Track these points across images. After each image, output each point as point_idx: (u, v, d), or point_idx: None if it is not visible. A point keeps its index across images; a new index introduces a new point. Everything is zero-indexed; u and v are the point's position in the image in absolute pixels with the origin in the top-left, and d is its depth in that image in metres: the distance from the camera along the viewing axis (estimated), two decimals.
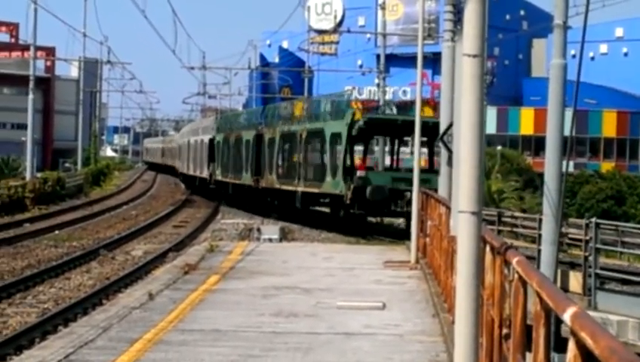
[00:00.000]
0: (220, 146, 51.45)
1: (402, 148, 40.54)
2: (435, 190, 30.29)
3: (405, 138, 37.74)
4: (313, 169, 37.04)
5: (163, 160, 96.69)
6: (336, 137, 34.54)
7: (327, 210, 35.81)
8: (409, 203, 28.44)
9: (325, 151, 35.63)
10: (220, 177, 50.82)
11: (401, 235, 31.67)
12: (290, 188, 38.53)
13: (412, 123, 28.39)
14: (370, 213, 34.46)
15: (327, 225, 36.43)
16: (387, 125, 35.46)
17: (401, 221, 36.74)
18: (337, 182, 33.58)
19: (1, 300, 20.54)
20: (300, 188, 37.46)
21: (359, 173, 33.04)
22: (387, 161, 47.85)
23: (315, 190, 36.08)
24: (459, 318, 8.14)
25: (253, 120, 47.18)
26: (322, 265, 21.56)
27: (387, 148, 38.90)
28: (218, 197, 51.69)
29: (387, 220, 39.35)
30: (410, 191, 27.66)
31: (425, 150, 35.07)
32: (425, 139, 31.65)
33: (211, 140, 53.94)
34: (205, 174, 55.42)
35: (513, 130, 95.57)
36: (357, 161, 37.66)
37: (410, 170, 30.36)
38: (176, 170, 78.50)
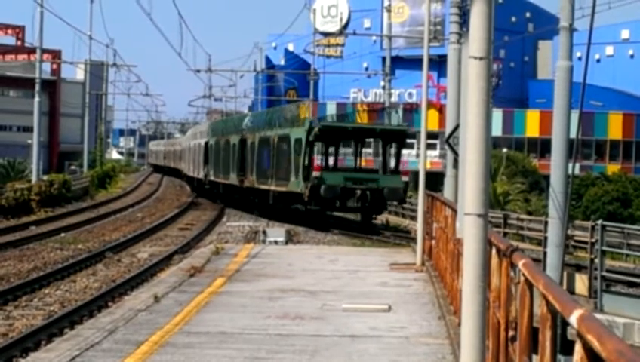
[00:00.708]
0: (213, 149, 55.15)
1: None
2: (382, 189, 37.19)
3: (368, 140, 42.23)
4: (281, 170, 40.25)
5: (167, 162, 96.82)
6: (298, 142, 37.83)
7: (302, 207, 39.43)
8: (359, 200, 36.43)
9: (290, 155, 38.77)
10: (212, 178, 54.57)
11: (357, 229, 37.60)
12: (265, 187, 42.36)
13: (361, 130, 39.87)
14: (325, 208, 38.18)
15: (293, 219, 40.10)
16: (339, 131, 40.15)
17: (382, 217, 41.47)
18: (298, 182, 37.34)
19: (7, 302, 20.56)
20: (272, 188, 41.19)
21: (315, 174, 36.65)
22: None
23: (283, 189, 39.58)
24: (465, 321, 8.13)
25: (239, 125, 50.41)
26: (328, 268, 21.56)
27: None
28: (212, 196, 54.88)
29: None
30: (360, 189, 36.54)
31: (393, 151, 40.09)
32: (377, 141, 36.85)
33: (206, 144, 57.39)
34: (201, 175, 58.85)
35: (519, 132, 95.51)
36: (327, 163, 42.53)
37: (363, 171, 40.40)
38: (181, 173, 78.75)
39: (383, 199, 37.46)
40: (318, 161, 40.86)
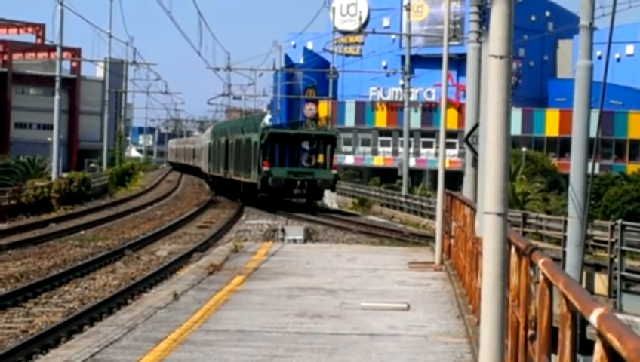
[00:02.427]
0: (212, 148, 65.00)
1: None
2: (316, 180, 46.57)
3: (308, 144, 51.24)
4: (247, 166, 50.63)
5: (186, 160, 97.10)
6: (256, 144, 48.26)
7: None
8: (299, 188, 46.84)
9: (251, 154, 49.21)
10: (212, 172, 64.26)
11: (301, 210, 46.45)
12: (237, 178, 53.15)
13: (301, 135, 50.13)
14: (273, 195, 47.71)
15: (253, 203, 50.06)
16: (284, 136, 49.94)
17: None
18: (255, 175, 47.84)
19: (27, 299, 20.65)
20: (242, 179, 51.81)
21: (264, 169, 46.82)
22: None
23: (247, 180, 50.15)
24: (484, 320, 8.13)
25: (225, 129, 61.42)
26: (346, 266, 21.56)
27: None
28: (213, 188, 62.57)
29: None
30: (300, 180, 46.49)
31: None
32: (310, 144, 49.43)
33: (209, 144, 67.05)
34: (206, 170, 68.74)
35: (538, 131, 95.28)
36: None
37: (303, 166, 48.40)
38: (200, 170, 79.36)
39: (317, 188, 47.88)
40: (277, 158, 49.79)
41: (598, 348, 4.35)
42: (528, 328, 7.85)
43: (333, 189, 50.92)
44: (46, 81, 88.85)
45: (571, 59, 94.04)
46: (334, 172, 48.48)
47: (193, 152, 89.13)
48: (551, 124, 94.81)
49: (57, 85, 59.83)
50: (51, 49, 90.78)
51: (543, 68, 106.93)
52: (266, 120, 62.07)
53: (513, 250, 8.81)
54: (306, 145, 50.45)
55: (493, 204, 8.07)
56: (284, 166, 48.51)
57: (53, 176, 57.38)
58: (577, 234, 20.08)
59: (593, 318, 4.42)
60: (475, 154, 20.31)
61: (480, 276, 12.58)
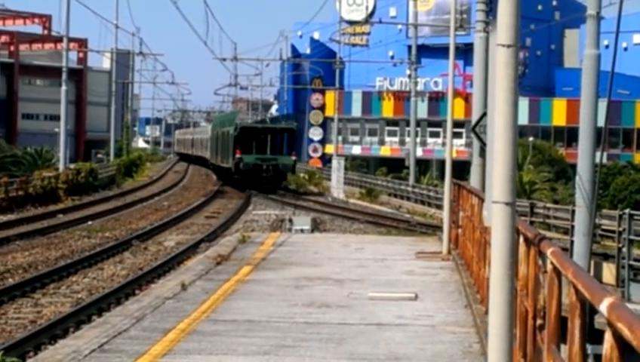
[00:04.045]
0: (210, 139, 73.25)
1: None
2: (278, 165, 56.34)
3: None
4: (225, 154, 60.30)
5: (193, 151, 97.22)
6: (232, 136, 57.79)
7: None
8: (265, 172, 56.27)
9: (229, 144, 58.52)
10: (211, 160, 71.89)
11: (267, 191, 53.82)
12: (220, 164, 63.76)
13: (266, 128, 61.08)
14: (244, 177, 56.61)
15: (230, 184, 59.28)
16: (253, 129, 59.94)
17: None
18: (231, 161, 57.39)
19: (36, 290, 20.70)
20: (223, 165, 62.07)
21: (237, 156, 56.25)
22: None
23: (226, 165, 60.19)
24: (493, 309, 8.12)
25: (219, 123, 70.59)
26: (354, 256, 21.55)
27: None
28: (219, 177, 67.35)
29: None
30: (265, 165, 56.29)
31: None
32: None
33: (210, 135, 74.18)
34: (209, 159, 75.18)
35: (545, 120, 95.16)
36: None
37: (268, 154, 57.33)
38: (206, 160, 79.65)
39: (279, 171, 57.37)
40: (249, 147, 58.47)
41: (607, 337, 4.34)
42: (537, 317, 7.85)
43: (293, 172, 61.65)
44: (53, 71, 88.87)
45: (578, 49, 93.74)
46: (293, 158, 58.92)
47: (200, 143, 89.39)
48: (558, 113, 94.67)
49: (64, 76, 59.85)
50: (58, 40, 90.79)
51: (550, 57, 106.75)
52: (273, 110, 68.35)
53: (521, 239, 8.80)
54: (269, 137, 59.41)
55: (501, 194, 8.06)
56: (252, 153, 57.35)
57: (61, 166, 57.44)
58: (585, 224, 20.05)
59: (603, 307, 4.41)
60: (483, 143, 20.29)
61: (488, 265, 12.57)
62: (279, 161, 57.17)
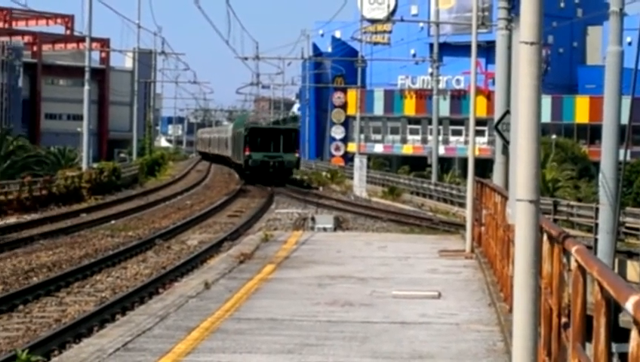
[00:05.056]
0: (229, 139, 78.27)
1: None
2: (283, 161, 62.81)
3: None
4: (239, 151, 66.97)
5: (215, 150, 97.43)
6: (243, 136, 64.37)
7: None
8: (272, 168, 61.92)
9: (241, 143, 65.33)
10: (232, 159, 76.26)
11: (275, 184, 58.03)
12: (235, 161, 71.55)
13: (272, 129, 65.57)
14: (253, 173, 62.36)
15: (243, 177, 65.16)
16: (260, 130, 65.13)
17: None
18: (242, 158, 64.06)
19: (60, 289, 20.79)
20: (237, 161, 68.96)
21: (246, 153, 62.74)
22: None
23: (239, 162, 67.15)
24: (517, 307, 8.10)
25: (235, 124, 77.79)
26: (377, 255, 21.54)
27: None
28: (242, 176, 70.48)
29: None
30: (272, 161, 62.16)
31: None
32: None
33: (231, 135, 79.02)
34: (231, 157, 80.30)
35: (568, 118, 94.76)
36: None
37: (275, 151, 62.64)
38: (229, 159, 79.93)
39: (284, 168, 63.16)
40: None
41: (634, 335, 4.32)
42: (562, 316, 7.83)
43: (297, 168, 68.50)
44: (75, 71, 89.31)
45: (601, 46, 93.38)
46: (297, 155, 65.61)
47: (219, 141, 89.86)
48: (581, 111, 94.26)
49: (87, 76, 60.04)
50: (80, 40, 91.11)
51: (573, 54, 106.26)
52: (295, 109, 70.35)
53: (545, 237, 8.78)
54: (275, 136, 64.32)
55: (525, 191, 8.04)
56: (260, 151, 62.83)
57: (84, 166, 57.64)
58: (609, 222, 19.98)
59: (629, 305, 4.39)
60: (505, 141, 20.24)
61: (511, 263, 12.55)
62: (284, 158, 63.01)
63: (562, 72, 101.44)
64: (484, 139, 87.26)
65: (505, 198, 14.91)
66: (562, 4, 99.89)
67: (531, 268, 8.01)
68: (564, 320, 7.74)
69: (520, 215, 8.06)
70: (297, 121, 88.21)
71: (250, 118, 76.91)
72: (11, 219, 37.72)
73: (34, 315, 17.99)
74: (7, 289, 20.45)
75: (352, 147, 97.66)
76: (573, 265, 6.95)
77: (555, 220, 36.87)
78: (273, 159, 62.52)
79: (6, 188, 42.87)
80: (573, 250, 7.02)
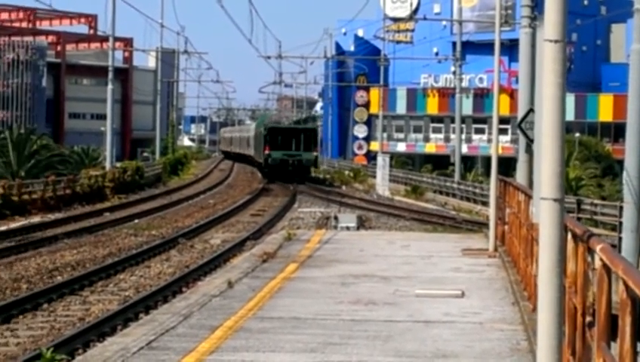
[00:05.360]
0: (252, 137, 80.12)
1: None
2: (302, 160, 65.15)
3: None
4: (260, 150, 69.32)
5: (238, 149, 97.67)
6: (263, 135, 67.09)
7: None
8: (291, 166, 64.04)
9: (261, 142, 67.72)
10: (255, 157, 78.22)
11: (294, 181, 59.94)
12: (256, 159, 73.81)
13: (291, 128, 68.94)
14: (272, 170, 64.78)
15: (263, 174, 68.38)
16: (279, 129, 68.04)
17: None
18: (262, 156, 66.83)
19: (84, 288, 20.87)
20: (258, 160, 71.73)
21: (266, 152, 65.20)
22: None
23: (259, 160, 69.92)
24: (541, 306, 8.07)
25: (257, 124, 79.38)
26: (400, 253, 21.50)
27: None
28: (264, 175, 71.72)
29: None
30: (291, 160, 64.48)
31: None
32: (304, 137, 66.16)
33: (254, 134, 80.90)
34: (254, 156, 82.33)
35: (591, 116, 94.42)
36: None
37: (294, 150, 64.90)
38: (252, 158, 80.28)
39: (303, 166, 65.36)
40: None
41: None
42: (586, 314, 7.79)
43: (316, 166, 71.32)
44: (99, 71, 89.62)
45: (625, 44, 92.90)
46: (315, 154, 67.74)
47: (240, 140, 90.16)
48: (604, 109, 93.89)
49: (110, 75, 60.22)
50: (104, 39, 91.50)
51: (596, 52, 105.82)
52: (317, 107, 70.32)
53: (570, 236, 8.74)
54: (294, 136, 66.62)
55: (549, 190, 8.00)
56: (279, 150, 65.12)
57: (107, 165, 57.83)
58: (633, 220, 19.88)
59: None
60: (529, 140, 20.19)
61: (535, 262, 12.51)
62: (303, 156, 65.25)
63: (586, 70, 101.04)
64: (507, 137, 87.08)
65: (528, 197, 14.87)
66: (586, 2, 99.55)
67: (556, 266, 7.97)
68: (588, 319, 7.71)
69: (544, 213, 8.03)
70: (316, 120, 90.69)
71: (272, 118, 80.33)
72: (35, 219, 37.89)
73: (58, 314, 18.06)
74: (32, 288, 20.54)
75: (374, 146, 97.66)
76: (598, 263, 6.92)
77: (579, 219, 36.73)
78: (292, 157, 64.79)
79: (30, 187, 43.06)
80: (597, 248, 6.98)
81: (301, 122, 76.05)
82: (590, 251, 7.86)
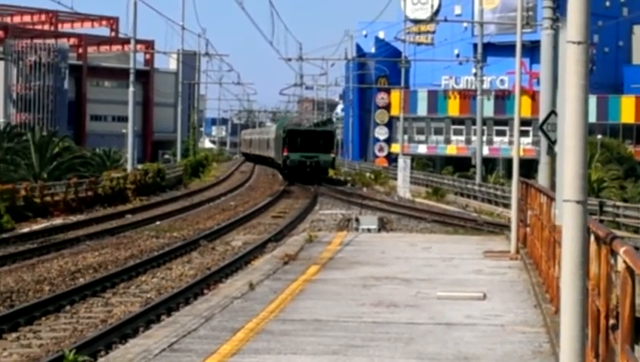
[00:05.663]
0: (272, 139, 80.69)
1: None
2: (319, 161, 67.02)
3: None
4: (279, 151, 70.45)
5: (259, 151, 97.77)
6: (282, 137, 68.75)
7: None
8: (308, 167, 65.56)
9: (280, 143, 69.44)
10: (275, 159, 78.88)
11: (311, 182, 62.14)
12: (276, 160, 74.82)
13: (309, 131, 70.28)
14: (291, 171, 66.64)
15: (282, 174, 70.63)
16: (297, 132, 69.49)
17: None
18: (281, 157, 68.71)
19: (106, 289, 20.94)
20: (279, 161, 71.95)
21: (284, 153, 67.10)
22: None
23: (278, 161, 71.99)
24: (564, 309, 8.04)
25: (277, 126, 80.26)
26: (421, 256, 21.48)
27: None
28: (285, 177, 72.67)
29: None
30: (309, 161, 65.98)
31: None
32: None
33: (275, 136, 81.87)
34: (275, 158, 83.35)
35: (613, 118, 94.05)
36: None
37: (311, 152, 66.27)
38: (273, 160, 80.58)
39: (320, 167, 66.99)
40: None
41: None
42: (609, 317, 7.76)
43: (333, 167, 73.58)
44: (120, 73, 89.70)
45: None
46: (332, 155, 69.85)
47: (266, 143, 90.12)
48: (627, 110, 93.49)
49: (131, 77, 60.41)
50: (125, 42, 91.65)
51: (618, 54, 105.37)
52: (338, 110, 70.47)
53: (592, 238, 8.71)
54: (312, 138, 68.28)
55: (572, 192, 7.98)
56: (297, 151, 66.67)
57: (129, 167, 58.00)
58: None
59: None
60: (551, 141, 20.14)
61: (557, 265, 12.46)
62: (320, 158, 66.85)
63: (608, 71, 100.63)
64: (529, 139, 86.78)
65: (550, 199, 14.82)
66: (608, 3, 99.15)
67: (579, 269, 7.95)
68: (612, 321, 7.67)
69: (567, 216, 8.01)
70: (333, 123, 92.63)
71: (291, 120, 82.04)
72: (58, 220, 38.04)
73: (80, 316, 18.12)
74: (54, 290, 20.63)
75: (395, 148, 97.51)
76: (621, 266, 6.89)
77: (601, 221, 36.60)
78: (310, 159, 66.37)
79: (52, 189, 43.23)
80: (621, 251, 6.96)
81: (319, 125, 77.32)
82: (613, 253, 7.83)
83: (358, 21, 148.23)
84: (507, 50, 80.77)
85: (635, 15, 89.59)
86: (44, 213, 39.80)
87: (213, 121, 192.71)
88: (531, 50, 76.50)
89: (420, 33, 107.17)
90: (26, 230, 33.99)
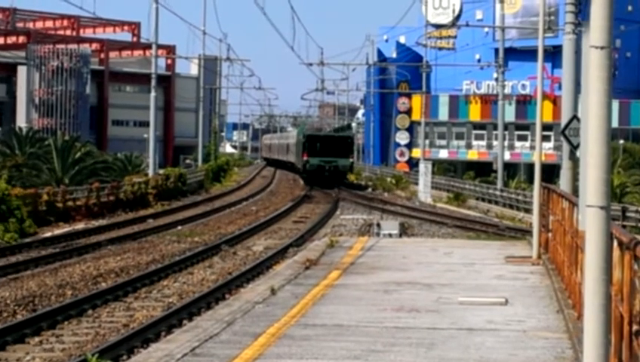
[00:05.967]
0: (293, 144, 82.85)
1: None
2: (338, 166, 69.43)
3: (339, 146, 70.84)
4: (299, 156, 72.87)
5: (280, 155, 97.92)
6: (301, 142, 71.01)
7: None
8: (327, 171, 67.83)
9: (300, 148, 71.64)
10: (295, 164, 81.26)
11: (329, 186, 64.37)
12: (296, 165, 77.29)
13: (327, 136, 73.49)
14: (310, 176, 68.54)
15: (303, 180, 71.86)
16: (316, 137, 71.98)
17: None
18: (300, 162, 71.32)
19: (128, 294, 20.99)
20: (298, 165, 75.25)
21: (304, 158, 69.28)
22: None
23: (299, 165, 74.23)
24: (587, 315, 8.01)
25: (298, 132, 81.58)
26: (443, 261, 21.45)
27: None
28: (306, 182, 73.64)
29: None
30: (328, 166, 67.95)
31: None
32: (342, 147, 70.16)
33: (296, 141, 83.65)
34: (295, 162, 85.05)
35: (636, 123, 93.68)
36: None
37: (330, 156, 68.21)
38: (294, 165, 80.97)
39: (339, 171, 69.11)
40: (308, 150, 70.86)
41: None
42: (633, 323, 7.72)
43: (351, 171, 75.11)
44: (142, 78, 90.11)
45: None
46: (351, 160, 72.06)
47: (286, 148, 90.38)
48: None
49: (153, 82, 60.58)
50: (147, 47, 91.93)
51: None
52: (359, 114, 71.95)
53: (616, 243, 8.68)
54: (331, 143, 70.29)
55: (595, 197, 7.95)
56: (317, 156, 68.71)
57: (150, 172, 58.15)
58: None
59: None
60: (573, 146, 20.09)
61: (580, 270, 12.42)
62: (339, 162, 69.00)
63: (630, 76, 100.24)
64: (550, 144, 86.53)
65: (573, 204, 14.77)
66: (630, 8, 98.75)
67: (602, 274, 7.91)
68: (635, 327, 7.64)
69: (590, 221, 7.97)
70: (352, 128, 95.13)
71: (312, 125, 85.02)
72: (79, 225, 38.19)
73: (103, 320, 18.18)
74: (76, 295, 20.69)
75: (416, 153, 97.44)
76: None
77: (624, 226, 36.46)
78: (329, 164, 68.55)
79: (74, 194, 43.39)
80: None
81: (339, 130, 78.89)
82: (637, 259, 7.80)
83: (379, 26, 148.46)
84: (529, 54, 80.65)
85: None
86: (66, 218, 39.96)
87: (235, 126, 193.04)
88: (553, 54, 76.19)
89: (441, 38, 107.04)
90: (48, 235, 34.14)
